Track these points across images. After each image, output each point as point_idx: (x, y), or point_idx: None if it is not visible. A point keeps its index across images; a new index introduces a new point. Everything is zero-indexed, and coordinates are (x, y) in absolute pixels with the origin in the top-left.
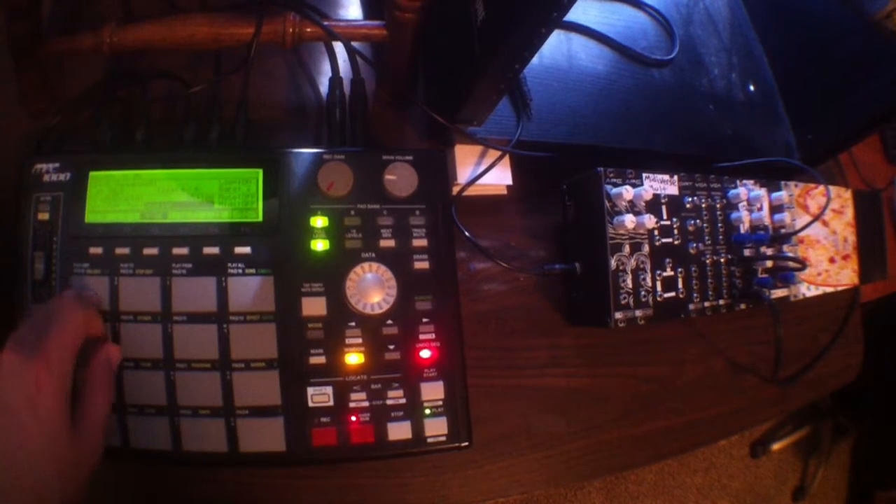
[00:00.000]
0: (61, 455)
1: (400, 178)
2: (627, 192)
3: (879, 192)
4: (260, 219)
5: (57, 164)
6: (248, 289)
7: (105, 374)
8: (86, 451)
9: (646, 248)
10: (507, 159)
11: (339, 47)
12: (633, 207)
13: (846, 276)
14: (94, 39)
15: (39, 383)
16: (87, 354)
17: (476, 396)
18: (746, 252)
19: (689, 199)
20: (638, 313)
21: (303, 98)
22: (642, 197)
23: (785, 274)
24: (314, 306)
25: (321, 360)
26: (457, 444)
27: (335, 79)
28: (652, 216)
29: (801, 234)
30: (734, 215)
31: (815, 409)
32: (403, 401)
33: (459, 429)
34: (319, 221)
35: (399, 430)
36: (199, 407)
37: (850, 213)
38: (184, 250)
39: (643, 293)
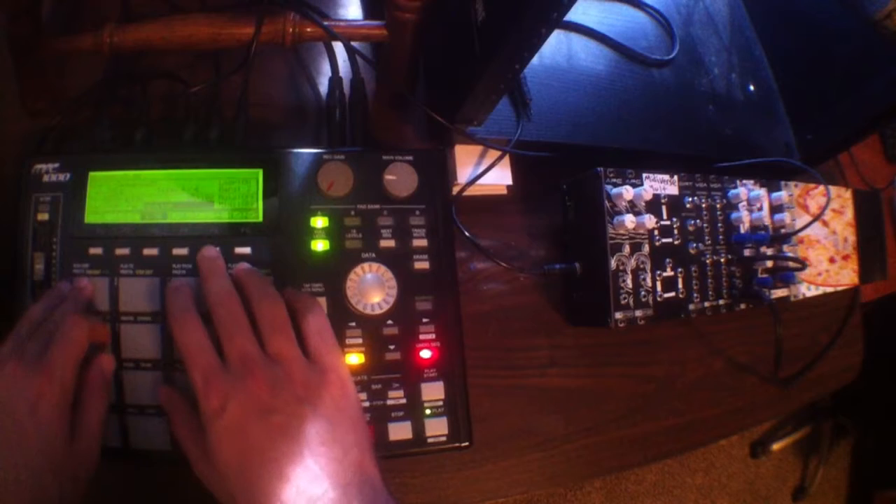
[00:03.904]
0: (59, 462)
1: (400, 178)
2: (627, 192)
3: (879, 192)
4: (260, 219)
5: (57, 165)
6: None
7: (100, 385)
8: (83, 459)
9: (646, 248)
10: (507, 159)
11: (339, 47)
12: (633, 207)
13: (846, 276)
14: (94, 39)
15: (41, 393)
16: (86, 364)
17: (476, 396)
18: (746, 252)
19: (689, 199)
20: (638, 313)
21: (303, 98)
22: (642, 197)
23: (785, 274)
24: None
25: None
26: (457, 444)
27: (335, 79)
28: (652, 216)
29: (801, 234)
30: (734, 215)
31: (815, 409)
32: (404, 401)
33: (460, 429)
34: (319, 222)
35: (399, 431)
36: None
37: (850, 213)
38: (184, 251)
39: (643, 293)
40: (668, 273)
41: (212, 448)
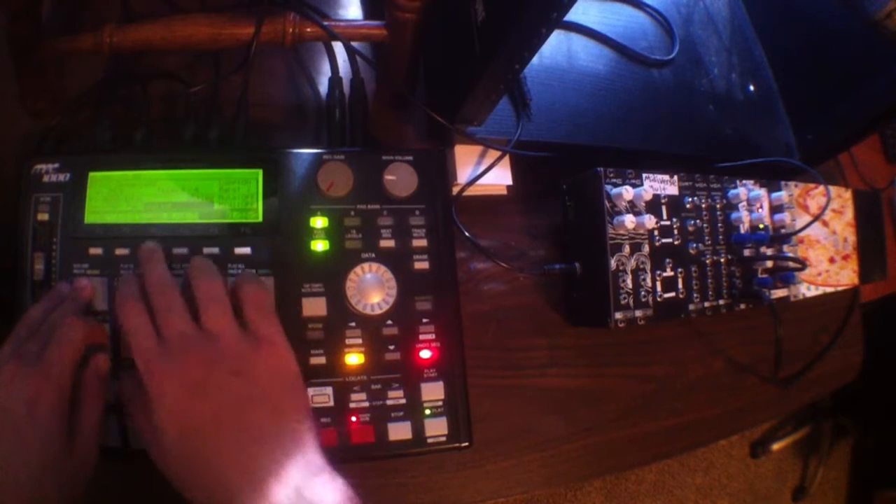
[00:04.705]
0: (58, 462)
1: (400, 178)
2: (627, 192)
3: (879, 192)
4: (260, 219)
5: (57, 165)
6: None
7: (95, 384)
8: (81, 459)
9: (646, 249)
10: (507, 159)
11: (339, 47)
12: (633, 207)
13: (846, 276)
14: (94, 39)
15: (39, 394)
16: (84, 365)
17: (476, 396)
18: (746, 252)
19: (689, 200)
20: (638, 313)
21: (303, 98)
22: (642, 197)
23: (785, 274)
24: (314, 307)
25: (321, 360)
26: (457, 444)
27: (335, 79)
28: (652, 216)
29: (801, 234)
30: (734, 215)
31: (815, 409)
32: (403, 401)
33: (459, 429)
34: (319, 222)
35: (399, 431)
36: None
37: (850, 213)
38: (184, 251)
39: (643, 293)
40: (668, 273)
41: (158, 431)
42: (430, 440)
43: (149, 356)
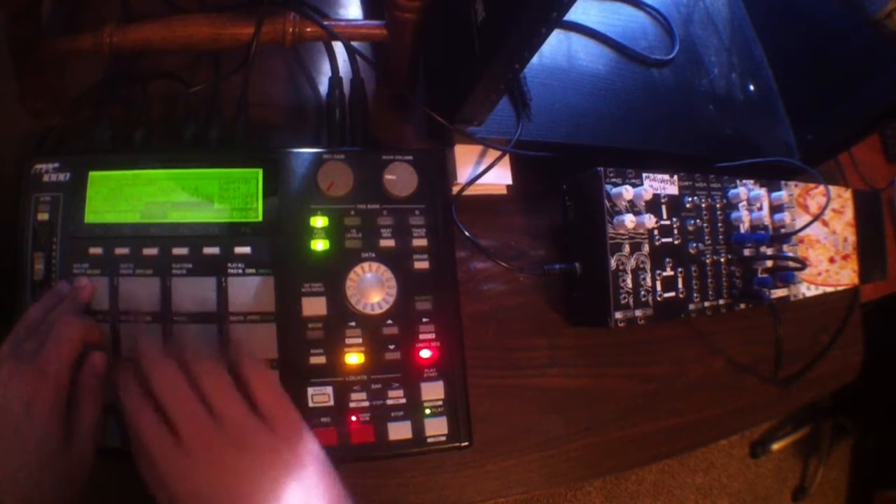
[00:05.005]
0: (56, 460)
1: (400, 177)
2: (627, 191)
3: (879, 192)
4: (260, 219)
5: (56, 165)
6: (248, 289)
7: (92, 383)
8: (79, 457)
9: (646, 248)
10: (507, 159)
11: (339, 47)
12: (633, 207)
13: (846, 276)
14: (94, 39)
15: (36, 393)
16: (79, 363)
17: (476, 396)
18: (746, 252)
19: (689, 199)
20: (638, 313)
21: (303, 98)
22: (642, 197)
23: (785, 274)
24: (314, 306)
25: (321, 360)
26: (457, 444)
27: (335, 79)
28: (652, 216)
29: (801, 234)
30: (734, 215)
31: (815, 409)
32: (403, 401)
33: (459, 429)
34: (319, 221)
35: (399, 430)
36: None
37: (850, 213)
38: (184, 250)
39: (643, 293)
40: (668, 273)
41: None
42: (430, 440)
43: (168, 459)
